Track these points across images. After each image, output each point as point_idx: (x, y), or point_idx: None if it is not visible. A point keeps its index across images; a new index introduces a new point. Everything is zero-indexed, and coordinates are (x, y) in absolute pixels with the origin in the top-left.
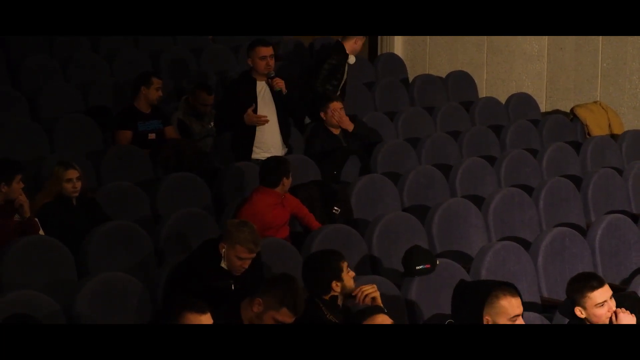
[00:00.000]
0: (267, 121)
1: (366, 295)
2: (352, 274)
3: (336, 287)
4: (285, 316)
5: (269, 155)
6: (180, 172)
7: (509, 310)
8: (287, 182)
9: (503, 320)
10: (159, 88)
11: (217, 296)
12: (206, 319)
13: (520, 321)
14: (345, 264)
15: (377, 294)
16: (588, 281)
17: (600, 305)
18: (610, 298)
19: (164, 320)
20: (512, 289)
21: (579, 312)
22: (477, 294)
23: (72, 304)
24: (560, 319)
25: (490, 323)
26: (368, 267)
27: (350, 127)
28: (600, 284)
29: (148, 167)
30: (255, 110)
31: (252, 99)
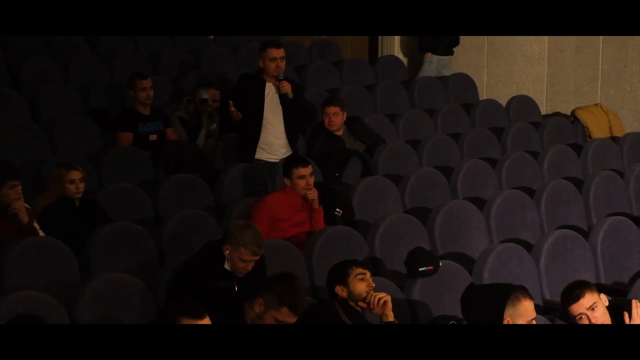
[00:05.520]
0: (239, 116)
1: (379, 300)
2: (366, 283)
3: (341, 292)
4: (285, 316)
5: (272, 156)
6: (181, 173)
7: (529, 312)
8: (296, 173)
9: (522, 322)
10: (146, 88)
11: (221, 297)
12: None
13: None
14: (355, 271)
15: (389, 298)
16: (569, 294)
17: (591, 309)
18: (595, 303)
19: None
20: (528, 292)
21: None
22: (497, 295)
23: (75, 305)
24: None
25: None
26: (370, 269)
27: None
28: (580, 294)
29: (149, 169)
30: (261, 111)
31: (260, 100)
